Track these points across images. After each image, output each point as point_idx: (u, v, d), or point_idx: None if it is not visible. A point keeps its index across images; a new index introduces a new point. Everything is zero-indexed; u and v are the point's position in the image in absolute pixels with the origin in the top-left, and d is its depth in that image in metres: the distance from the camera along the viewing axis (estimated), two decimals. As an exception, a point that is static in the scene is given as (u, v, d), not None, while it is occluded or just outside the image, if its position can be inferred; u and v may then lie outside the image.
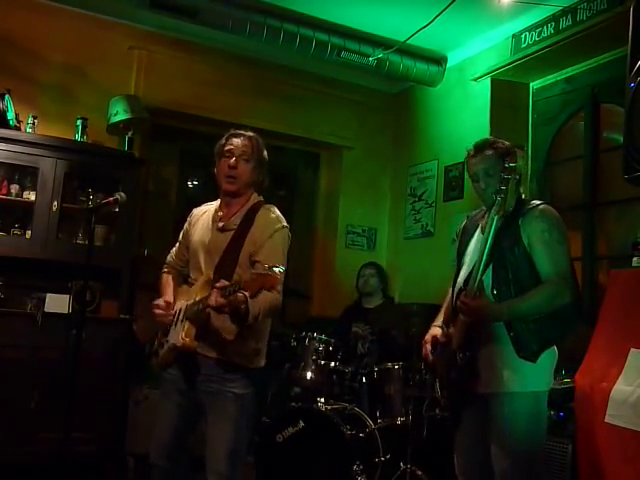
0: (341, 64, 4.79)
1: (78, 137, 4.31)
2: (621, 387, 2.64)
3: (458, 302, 2.45)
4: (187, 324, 2.45)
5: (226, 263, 2.50)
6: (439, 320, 2.72)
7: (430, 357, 2.61)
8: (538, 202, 2.54)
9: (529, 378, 2.39)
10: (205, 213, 2.74)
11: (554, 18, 4.08)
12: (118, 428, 4.03)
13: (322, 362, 3.83)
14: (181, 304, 2.56)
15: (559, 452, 2.99)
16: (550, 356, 2.46)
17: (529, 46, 4.26)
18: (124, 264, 4.21)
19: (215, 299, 2.28)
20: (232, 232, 2.56)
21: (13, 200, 4.13)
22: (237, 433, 2.49)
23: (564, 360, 2.55)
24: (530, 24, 4.27)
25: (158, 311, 2.57)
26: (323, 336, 3.92)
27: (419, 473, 3.49)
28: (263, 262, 2.39)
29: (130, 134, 4.40)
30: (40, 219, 4.05)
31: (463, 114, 4.82)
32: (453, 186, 4.88)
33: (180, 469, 2.65)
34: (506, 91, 4.61)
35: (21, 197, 4.13)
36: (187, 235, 2.74)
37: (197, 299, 2.46)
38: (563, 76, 4.41)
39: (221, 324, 2.46)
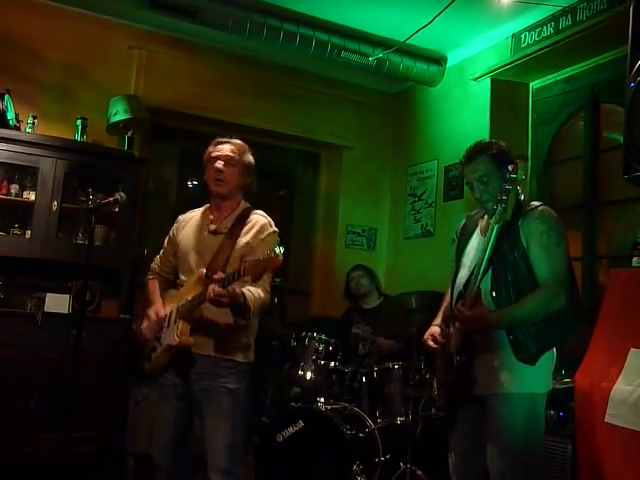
0: (341, 64, 4.79)
1: (78, 137, 4.31)
2: (621, 387, 2.64)
3: (455, 310, 2.46)
4: (181, 323, 2.53)
5: (218, 262, 2.58)
6: (438, 320, 2.72)
7: (435, 345, 2.59)
8: (537, 203, 2.54)
9: (527, 380, 2.39)
10: (192, 219, 2.81)
11: (554, 18, 4.09)
12: (118, 428, 4.03)
13: (322, 362, 3.83)
14: (171, 307, 2.63)
15: (559, 452, 2.99)
16: (549, 358, 2.46)
17: (529, 46, 4.26)
18: (124, 264, 4.21)
19: (213, 289, 2.35)
20: (224, 235, 2.65)
21: (13, 200, 4.13)
22: (233, 427, 2.56)
23: (564, 360, 2.55)
24: (530, 24, 4.27)
25: (149, 325, 2.66)
26: (323, 336, 3.92)
27: (419, 473, 3.48)
28: (252, 280, 2.44)
29: (130, 134, 4.40)
30: (40, 219, 4.05)
31: (463, 114, 4.82)
32: (453, 186, 4.88)
33: (183, 470, 2.70)
34: (506, 91, 4.61)
35: (21, 197, 4.13)
36: (174, 241, 2.81)
37: (189, 298, 2.53)
38: (563, 76, 4.41)
39: (216, 317, 2.53)
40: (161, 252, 2.88)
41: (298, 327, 4.19)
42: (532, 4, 3.96)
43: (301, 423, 3.54)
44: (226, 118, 5.00)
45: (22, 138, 4.06)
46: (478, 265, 2.39)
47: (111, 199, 2.98)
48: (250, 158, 2.77)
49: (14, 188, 4.12)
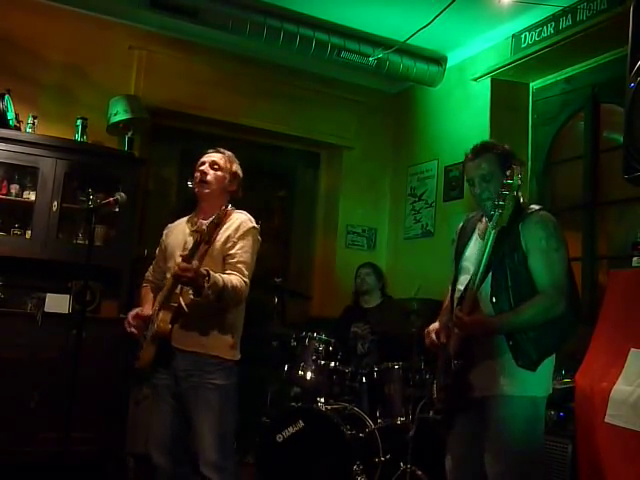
0: (341, 64, 4.79)
1: (78, 137, 4.31)
2: (621, 387, 2.64)
3: (454, 314, 2.46)
4: (161, 312, 2.61)
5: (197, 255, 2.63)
6: (442, 318, 2.71)
7: (436, 341, 2.58)
8: (537, 207, 2.54)
9: (528, 383, 2.39)
10: (179, 225, 2.93)
11: (554, 18, 4.09)
12: (118, 428, 4.03)
13: (322, 362, 3.83)
14: (156, 305, 2.72)
15: (559, 452, 2.99)
16: (549, 362, 2.45)
17: (529, 46, 4.26)
18: (124, 264, 4.21)
19: (179, 264, 2.47)
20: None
21: (13, 200, 4.13)
22: (222, 422, 2.63)
23: (564, 360, 2.55)
24: (530, 24, 4.27)
25: (127, 327, 2.75)
26: (323, 336, 3.92)
27: (419, 473, 3.48)
28: (233, 255, 2.66)
29: (130, 134, 4.40)
30: (40, 219, 4.05)
31: (463, 114, 4.82)
32: (453, 186, 4.88)
33: (181, 468, 2.73)
34: (506, 91, 4.61)
35: (21, 197, 4.13)
36: (163, 247, 2.92)
37: (166, 287, 2.64)
38: (563, 76, 4.41)
39: (191, 301, 2.59)
40: (154, 261, 3.00)
41: (298, 327, 4.19)
42: (532, 4, 3.96)
43: (301, 423, 3.54)
44: (226, 118, 5.00)
45: (22, 138, 4.06)
46: (476, 270, 2.39)
47: (111, 199, 2.99)
48: (237, 168, 2.88)
49: (14, 188, 4.13)
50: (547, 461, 2.93)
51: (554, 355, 2.48)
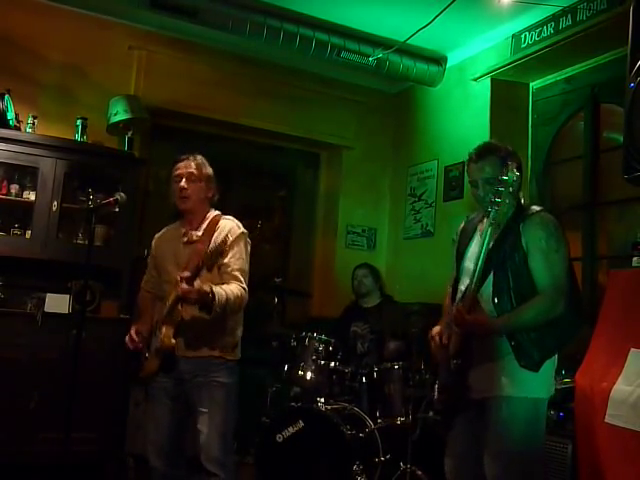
0: (341, 64, 4.79)
1: (78, 137, 4.31)
2: (621, 387, 2.64)
3: (454, 310, 2.46)
4: (164, 327, 2.67)
5: (191, 267, 2.68)
6: (445, 318, 2.70)
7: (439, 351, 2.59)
8: (538, 208, 2.54)
9: (530, 385, 2.39)
10: (167, 234, 3.01)
11: (554, 18, 4.08)
12: (118, 428, 4.03)
13: (322, 362, 3.83)
14: (158, 317, 2.79)
15: (559, 452, 2.99)
16: (551, 363, 2.45)
17: (529, 46, 4.26)
18: (124, 264, 4.21)
19: (182, 287, 2.53)
20: (196, 242, 2.81)
21: (13, 200, 4.12)
22: (225, 419, 2.72)
23: (564, 360, 2.55)
24: (530, 24, 4.26)
25: (129, 344, 2.79)
26: (323, 336, 3.92)
27: (419, 473, 3.48)
28: (227, 264, 2.73)
29: (130, 134, 4.40)
30: (40, 219, 4.05)
31: (463, 114, 4.82)
32: (453, 186, 4.87)
33: (179, 472, 2.79)
34: (506, 91, 4.61)
35: (21, 197, 4.13)
36: (154, 258, 2.98)
37: (169, 303, 2.69)
38: (563, 76, 4.41)
39: (195, 313, 2.68)
40: (147, 270, 3.06)
41: (298, 327, 4.19)
42: (532, 4, 3.96)
43: (301, 423, 3.54)
44: (226, 118, 5.00)
45: (22, 138, 4.06)
46: (474, 269, 2.39)
47: (111, 199, 3.00)
48: (209, 170, 2.93)
49: (14, 188, 4.12)
50: (547, 461, 2.93)
51: (556, 356, 2.48)
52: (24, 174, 4.15)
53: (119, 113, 4.33)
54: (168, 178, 2.94)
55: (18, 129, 4.16)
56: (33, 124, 4.20)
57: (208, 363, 2.73)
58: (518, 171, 2.38)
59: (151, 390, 2.85)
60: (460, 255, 2.66)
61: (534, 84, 4.63)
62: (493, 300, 2.42)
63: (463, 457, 2.53)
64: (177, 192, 2.85)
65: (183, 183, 2.84)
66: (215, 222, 2.85)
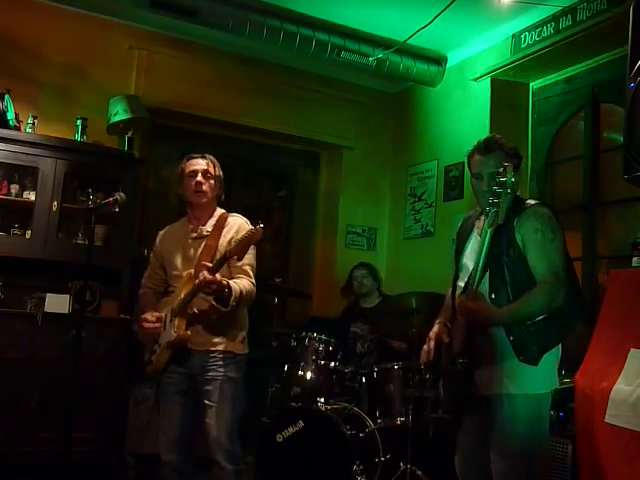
0: (341, 64, 4.78)
1: (78, 137, 4.31)
2: (621, 387, 2.64)
3: (457, 300, 2.46)
4: (177, 320, 2.75)
5: (203, 261, 2.78)
6: (443, 317, 2.70)
7: (431, 355, 2.60)
8: (532, 202, 2.54)
9: (531, 381, 2.38)
10: (172, 231, 3.07)
11: (554, 18, 4.08)
12: (118, 428, 4.03)
13: (322, 362, 3.83)
14: (166, 311, 2.84)
15: (559, 452, 2.99)
16: (553, 356, 2.45)
17: (529, 46, 4.26)
18: (124, 264, 4.21)
19: (204, 276, 2.61)
20: (206, 238, 2.91)
21: (13, 200, 4.13)
22: (232, 411, 2.82)
23: (564, 360, 2.54)
24: (530, 24, 4.26)
25: (147, 324, 2.82)
26: (323, 336, 3.92)
27: (419, 473, 3.48)
28: (238, 259, 2.76)
29: (130, 134, 4.40)
30: (40, 219, 4.05)
31: (463, 114, 4.82)
32: (453, 186, 4.88)
33: (189, 466, 2.87)
34: (506, 91, 4.61)
35: (21, 197, 4.13)
36: (158, 254, 3.03)
37: (182, 296, 2.76)
38: (563, 76, 4.41)
39: (209, 308, 2.77)
40: (149, 267, 3.09)
41: (298, 327, 4.19)
42: (532, 4, 3.96)
43: (301, 423, 3.54)
44: (226, 118, 5.00)
45: (22, 138, 4.06)
46: (474, 270, 2.39)
47: (111, 199, 3.00)
48: (221, 171, 3.03)
49: (14, 188, 4.13)
50: (547, 461, 2.93)
51: (559, 350, 2.47)
52: (24, 174, 4.16)
53: (119, 113, 4.33)
54: (180, 175, 2.98)
55: (18, 129, 4.16)
56: (33, 124, 4.20)
57: (217, 358, 2.80)
58: (516, 169, 2.38)
59: (161, 386, 2.91)
60: (459, 253, 2.65)
61: (534, 84, 4.63)
62: (490, 296, 2.41)
63: (472, 453, 2.54)
64: (192, 187, 2.91)
65: (200, 178, 2.91)
66: (224, 219, 2.94)
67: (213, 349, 2.81)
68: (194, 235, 2.92)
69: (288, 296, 4.92)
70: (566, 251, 2.49)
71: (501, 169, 2.32)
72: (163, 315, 2.84)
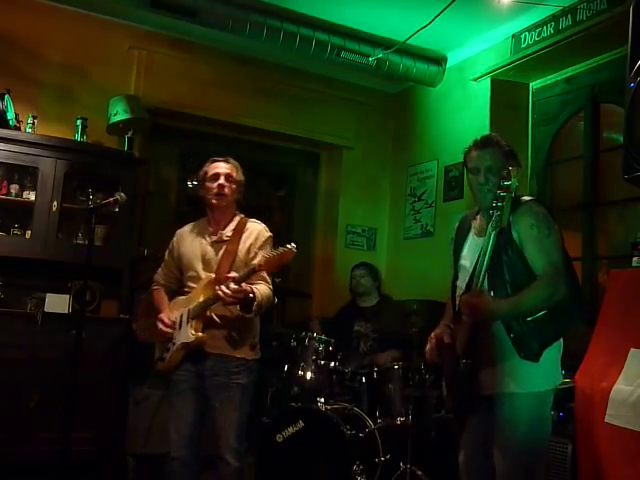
0: (341, 64, 4.78)
1: (78, 137, 4.31)
2: (621, 387, 2.64)
3: (460, 301, 2.46)
4: (194, 322, 2.81)
5: (224, 267, 2.88)
6: (446, 319, 2.70)
7: (432, 355, 2.60)
8: (527, 198, 2.55)
9: (532, 379, 2.39)
10: (191, 231, 3.09)
11: (554, 18, 4.08)
12: (118, 428, 4.03)
13: (322, 362, 3.83)
14: (181, 311, 2.89)
15: (559, 452, 2.99)
16: (554, 352, 2.44)
17: (529, 46, 4.26)
18: (124, 264, 4.21)
19: (229, 287, 2.67)
20: (226, 242, 2.96)
21: (13, 200, 4.12)
22: (241, 414, 2.89)
23: (564, 360, 2.54)
24: (530, 24, 4.27)
25: (164, 328, 2.89)
26: (323, 336, 3.92)
27: (419, 473, 3.48)
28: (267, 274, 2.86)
29: (130, 134, 4.40)
30: (40, 219, 4.05)
31: (463, 114, 4.82)
32: (453, 186, 4.88)
33: (195, 464, 2.92)
34: (506, 91, 4.61)
35: (21, 197, 4.13)
36: (176, 253, 3.06)
37: (201, 300, 2.81)
38: (563, 76, 4.41)
39: (224, 313, 2.83)
40: (163, 265, 3.12)
41: (298, 327, 4.19)
42: (532, 4, 3.96)
43: (301, 423, 3.54)
44: (226, 118, 5.00)
45: (22, 138, 4.06)
46: (478, 272, 2.38)
47: (111, 199, 3.01)
48: (242, 176, 3.07)
49: (14, 188, 4.12)
50: (547, 461, 2.93)
51: (560, 345, 2.47)
52: (24, 174, 4.15)
53: (119, 113, 4.32)
54: (203, 177, 3.00)
55: (18, 129, 4.16)
56: (33, 124, 4.20)
57: (229, 364, 2.86)
58: (518, 168, 2.40)
59: (172, 384, 2.94)
60: (457, 253, 2.66)
61: (534, 84, 4.63)
62: (489, 293, 2.41)
63: (475, 451, 2.54)
64: (214, 189, 2.95)
65: (222, 181, 2.95)
66: (243, 224, 2.99)
67: (228, 354, 2.86)
68: (214, 238, 2.97)
69: (288, 296, 4.91)
70: (563, 247, 2.49)
71: (504, 172, 2.33)
72: (177, 316, 2.89)
